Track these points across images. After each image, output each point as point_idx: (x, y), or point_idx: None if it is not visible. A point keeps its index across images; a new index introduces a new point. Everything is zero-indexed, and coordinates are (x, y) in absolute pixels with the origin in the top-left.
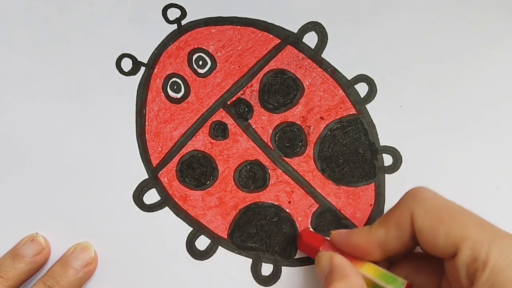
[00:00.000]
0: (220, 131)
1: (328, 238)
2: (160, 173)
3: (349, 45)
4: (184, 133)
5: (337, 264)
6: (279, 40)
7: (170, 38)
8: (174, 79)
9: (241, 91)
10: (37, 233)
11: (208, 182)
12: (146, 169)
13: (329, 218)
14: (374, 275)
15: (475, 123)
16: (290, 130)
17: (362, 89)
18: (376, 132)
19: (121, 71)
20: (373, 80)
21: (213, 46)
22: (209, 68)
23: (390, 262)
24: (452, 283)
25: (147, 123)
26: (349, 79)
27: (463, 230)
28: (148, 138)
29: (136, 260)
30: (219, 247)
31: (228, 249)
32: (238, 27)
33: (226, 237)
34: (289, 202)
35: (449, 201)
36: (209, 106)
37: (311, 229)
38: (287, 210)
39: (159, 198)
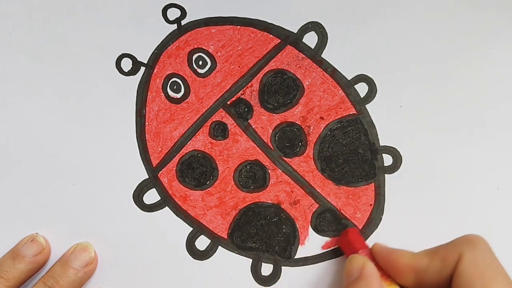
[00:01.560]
0: (220, 131)
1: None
2: (160, 173)
3: (349, 45)
4: (184, 133)
5: (367, 273)
6: (279, 40)
7: (170, 38)
8: (174, 79)
9: (241, 91)
10: (37, 233)
11: (208, 182)
12: (146, 169)
13: (329, 218)
14: None
15: (475, 123)
16: (290, 130)
17: (362, 89)
18: (376, 132)
19: (121, 71)
20: (373, 80)
21: (213, 46)
22: (209, 68)
23: None
24: None
25: (147, 123)
26: (349, 79)
27: None
28: (148, 138)
29: (136, 260)
30: (219, 247)
31: (228, 249)
32: (238, 27)
33: (226, 237)
34: (289, 202)
35: (498, 261)
36: (209, 106)
37: (358, 230)
38: (287, 210)
39: (159, 198)
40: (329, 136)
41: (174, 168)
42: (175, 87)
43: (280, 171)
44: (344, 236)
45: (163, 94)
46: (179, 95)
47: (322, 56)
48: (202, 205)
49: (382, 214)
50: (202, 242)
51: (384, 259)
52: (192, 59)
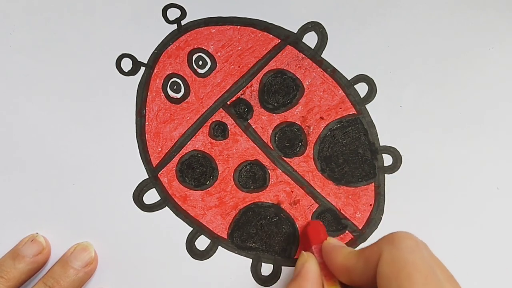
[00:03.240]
0: (220, 131)
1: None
2: (160, 173)
3: (349, 45)
4: (184, 133)
5: (305, 271)
6: (279, 40)
7: (170, 38)
8: (174, 79)
9: (241, 91)
10: (37, 233)
11: (208, 182)
12: (146, 169)
13: (329, 218)
14: None
15: (475, 123)
16: (290, 130)
17: (362, 89)
18: (376, 132)
19: (121, 71)
20: (373, 80)
21: (213, 46)
22: (209, 68)
23: None
24: None
25: (147, 123)
26: (349, 79)
27: None
28: (148, 138)
29: (136, 260)
30: (219, 247)
31: (228, 249)
32: (238, 27)
33: (226, 237)
34: (289, 202)
35: (421, 259)
36: (209, 106)
37: (321, 224)
38: (287, 210)
39: (159, 198)
40: (329, 136)
41: (174, 168)
42: (175, 87)
43: (280, 171)
44: (304, 230)
45: (163, 94)
46: (179, 95)
47: (322, 56)
48: (202, 205)
49: (382, 214)
50: (202, 242)
51: (326, 256)
52: (192, 59)
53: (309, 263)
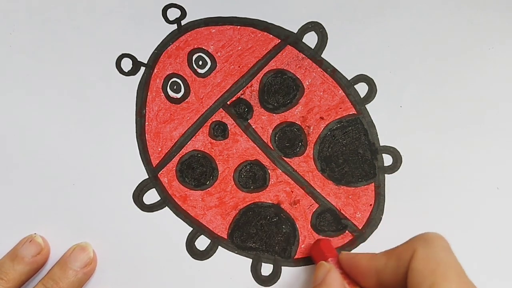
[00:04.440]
0: (220, 131)
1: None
2: (160, 173)
3: (349, 45)
4: (184, 133)
5: (330, 279)
6: (279, 40)
7: (170, 38)
8: (174, 79)
9: (241, 91)
10: (35, 233)
11: (208, 182)
12: (146, 169)
13: (329, 218)
14: None
15: (475, 123)
16: (290, 130)
17: (362, 89)
18: (376, 132)
19: (121, 71)
20: (373, 80)
21: (213, 46)
22: (209, 68)
23: None
24: None
25: (147, 123)
26: (349, 79)
27: None
28: (148, 138)
29: (136, 260)
30: (219, 247)
31: (228, 249)
32: (238, 27)
33: (226, 237)
34: (289, 202)
35: (453, 258)
36: (209, 106)
37: (331, 241)
38: (287, 210)
39: (159, 198)
40: (329, 136)
41: (174, 168)
42: (175, 87)
43: (280, 171)
44: (316, 245)
45: (163, 94)
46: (179, 95)
47: (322, 56)
48: (202, 205)
49: (382, 214)
50: (202, 242)
51: (349, 264)
52: (192, 59)
53: (332, 272)
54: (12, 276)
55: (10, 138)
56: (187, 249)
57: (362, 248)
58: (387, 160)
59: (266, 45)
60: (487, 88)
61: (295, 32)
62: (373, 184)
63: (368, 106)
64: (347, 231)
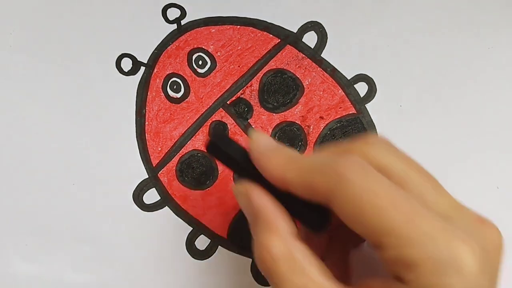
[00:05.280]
0: (220, 131)
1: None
2: (160, 172)
3: (349, 45)
4: (184, 133)
5: (259, 206)
6: (279, 40)
7: (170, 38)
8: (174, 79)
9: (240, 91)
10: None
11: (208, 182)
12: (146, 168)
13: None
14: None
15: (474, 122)
16: (290, 129)
17: (361, 88)
18: (376, 132)
19: (121, 71)
20: (372, 80)
21: (213, 45)
22: (208, 68)
23: None
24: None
25: (146, 123)
26: (348, 78)
27: (387, 223)
28: (148, 138)
29: (136, 260)
30: (219, 247)
31: (228, 249)
32: (238, 27)
33: (226, 237)
34: None
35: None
36: (209, 106)
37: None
38: None
39: (159, 197)
40: (329, 135)
41: (174, 168)
42: (175, 87)
43: None
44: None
45: (163, 94)
46: (179, 95)
47: (322, 55)
48: (202, 204)
49: None
50: (202, 242)
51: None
52: (192, 59)
53: (253, 196)
54: None
55: (10, 138)
56: (187, 249)
57: None
58: None
59: (266, 45)
60: (487, 88)
61: (295, 31)
62: None
63: (368, 106)
64: None
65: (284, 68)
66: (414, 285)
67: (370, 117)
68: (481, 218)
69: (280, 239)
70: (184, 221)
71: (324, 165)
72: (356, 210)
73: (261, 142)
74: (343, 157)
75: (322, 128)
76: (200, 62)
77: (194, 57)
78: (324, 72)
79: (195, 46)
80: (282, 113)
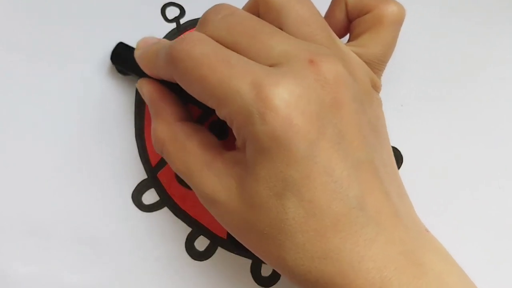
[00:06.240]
0: (219, 131)
1: None
2: (159, 173)
3: None
4: None
5: (148, 97)
6: None
7: (169, 37)
8: None
9: None
10: None
11: None
12: (145, 169)
13: None
14: None
15: (475, 122)
16: None
17: None
18: None
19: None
20: None
21: None
22: None
23: None
24: None
25: (146, 123)
26: None
27: None
28: (147, 138)
29: (135, 261)
30: (219, 247)
31: (227, 250)
32: None
33: (225, 238)
34: None
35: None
36: None
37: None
38: None
39: (158, 198)
40: None
41: None
42: None
43: None
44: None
45: None
46: None
47: None
48: (202, 205)
49: None
50: (202, 243)
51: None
52: None
53: (143, 87)
54: None
55: (9, 138)
56: (186, 250)
57: None
58: None
59: None
60: (487, 88)
61: None
62: None
63: None
64: None
65: None
66: (239, 141)
67: None
68: (312, 57)
69: (165, 123)
70: (183, 221)
71: (162, 53)
72: (188, 84)
73: (139, 45)
74: (176, 39)
75: None
76: None
77: None
78: None
79: None
80: None
